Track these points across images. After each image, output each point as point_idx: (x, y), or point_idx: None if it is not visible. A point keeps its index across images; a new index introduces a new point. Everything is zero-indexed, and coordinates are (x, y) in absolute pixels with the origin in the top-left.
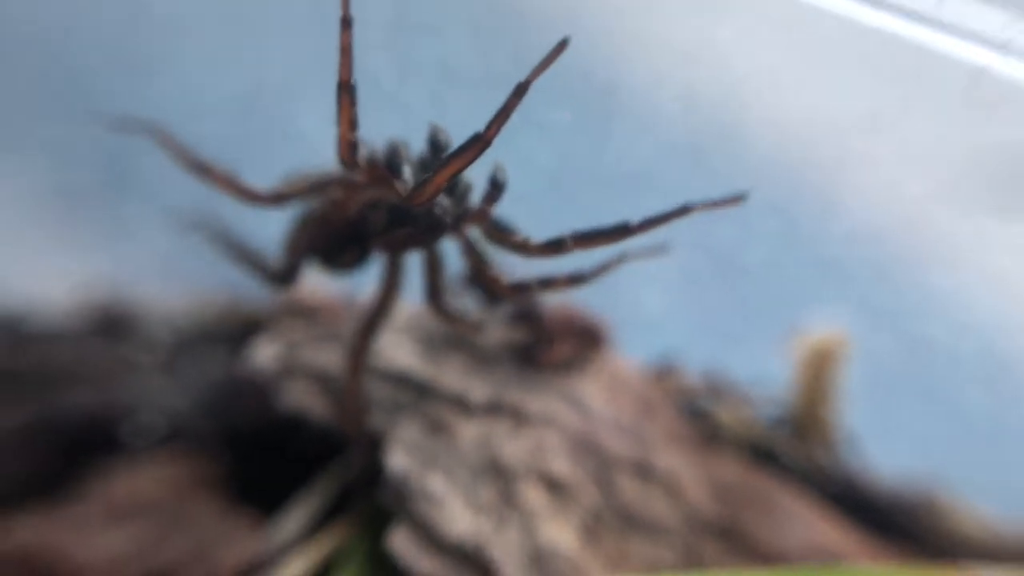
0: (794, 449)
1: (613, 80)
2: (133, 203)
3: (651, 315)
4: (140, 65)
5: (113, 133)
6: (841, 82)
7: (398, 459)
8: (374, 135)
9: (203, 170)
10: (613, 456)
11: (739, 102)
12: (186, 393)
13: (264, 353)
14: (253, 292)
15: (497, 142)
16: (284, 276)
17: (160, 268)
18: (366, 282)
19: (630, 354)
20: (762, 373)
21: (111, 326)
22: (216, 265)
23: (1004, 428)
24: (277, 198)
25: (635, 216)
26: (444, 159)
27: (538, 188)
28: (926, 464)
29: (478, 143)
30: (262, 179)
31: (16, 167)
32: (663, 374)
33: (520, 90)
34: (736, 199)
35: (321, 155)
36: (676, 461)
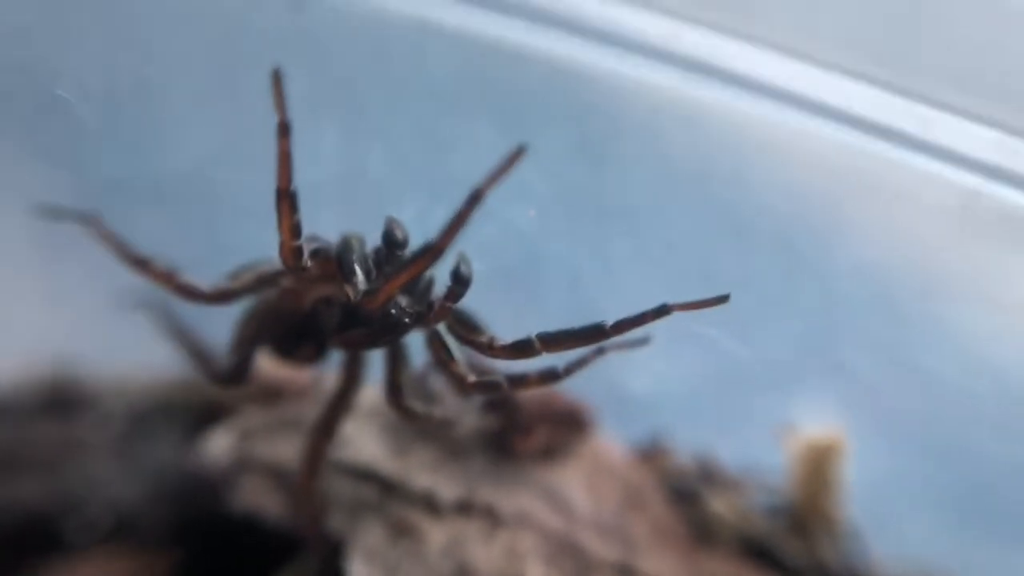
0: (793, 545)
1: (613, 108)
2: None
3: (636, 390)
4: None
5: (47, 219)
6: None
7: (359, 568)
8: (359, 158)
9: (140, 264)
10: (594, 560)
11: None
12: (137, 482)
13: (218, 445)
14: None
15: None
16: (231, 375)
17: (114, 339)
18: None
19: (614, 433)
20: (757, 455)
21: (62, 405)
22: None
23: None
24: (222, 295)
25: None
26: (396, 268)
27: (531, 220)
28: (939, 543)
29: (430, 253)
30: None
31: None
32: (651, 455)
33: (474, 198)
34: (720, 299)
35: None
36: (664, 564)
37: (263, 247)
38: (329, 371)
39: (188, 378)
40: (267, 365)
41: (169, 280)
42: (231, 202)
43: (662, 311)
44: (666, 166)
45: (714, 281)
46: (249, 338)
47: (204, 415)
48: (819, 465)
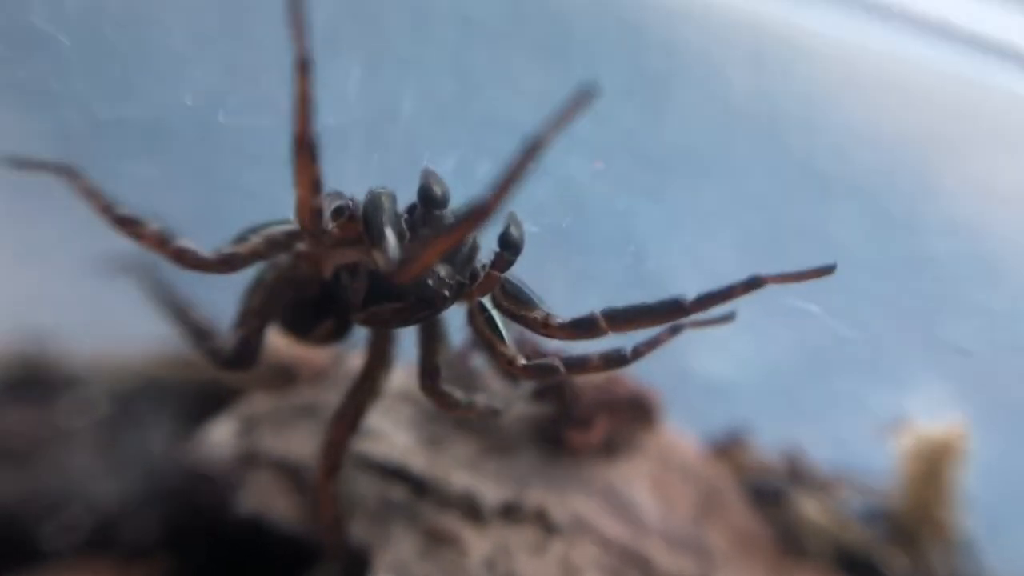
0: (899, 558)
1: (671, 40)
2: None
3: (710, 376)
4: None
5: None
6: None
7: None
8: (387, 98)
9: (128, 224)
10: (664, 575)
11: (818, 69)
12: (123, 478)
13: (219, 435)
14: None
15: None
16: (237, 355)
17: (96, 310)
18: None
19: (685, 424)
20: (854, 453)
21: (35, 386)
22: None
23: None
24: (226, 262)
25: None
26: (435, 231)
27: (581, 168)
28: None
29: (476, 214)
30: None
31: None
32: (729, 449)
33: (531, 149)
34: (825, 270)
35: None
36: None
37: (275, 205)
38: (352, 350)
39: (183, 356)
40: (278, 342)
41: (162, 244)
42: (236, 151)
43: (753, 284)
44: (730, 109)
45: (789, 240)
46: (257, 312)
47: (202, 400)
48: (933, 464)
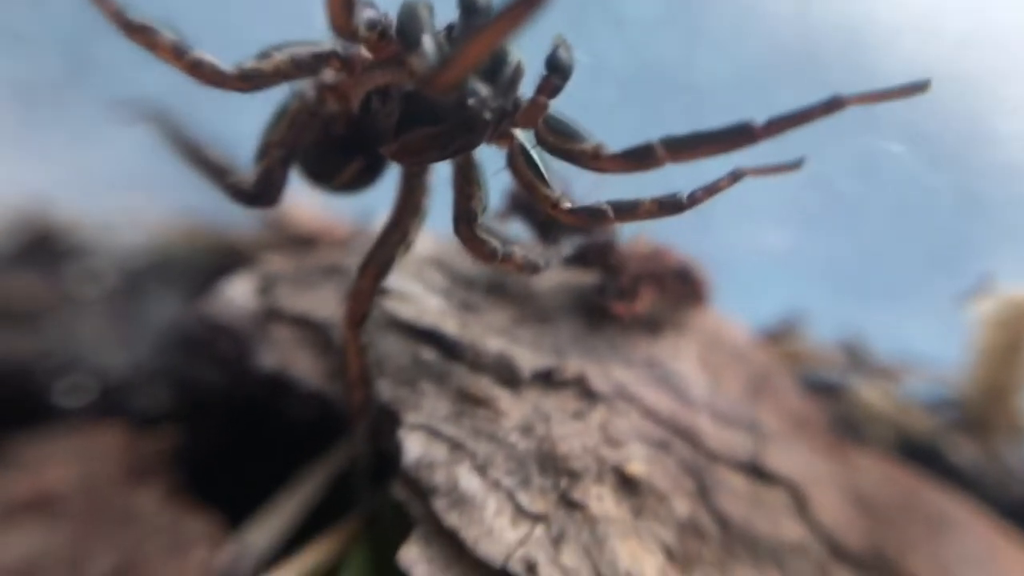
0: (967, 446)
1: None
2: (86, 97)
3: (760, 264)
4: None
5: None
6: None
7: (417, 444)
8: None
9: (141, 32)
10: (713, 451)
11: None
12: (134, 345)
13: (237, 291)
14: (233, 216)
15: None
16: (259, 190)
17: (117, 182)
18: (383, 201)
19: (734, 309)
20: (914, 344)
21: (45, 252)
22: (185, 178)
23: None
24: (247, 79)
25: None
26: (479, 24)
27: (611, 97)
28: None
29: (520, 6)
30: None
31: None
32: (780, 336)
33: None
34: (916, 88)
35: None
36: (800, 460)
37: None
38: (375, 219)
39: (197, 227)
40: (298, 212)
41: (178, 55)
42: None
43: (834, 104)
44: (768, 42)
45: (834, 178)
46: (279, 143)
47: (214, 271)
48: (1015, 334)
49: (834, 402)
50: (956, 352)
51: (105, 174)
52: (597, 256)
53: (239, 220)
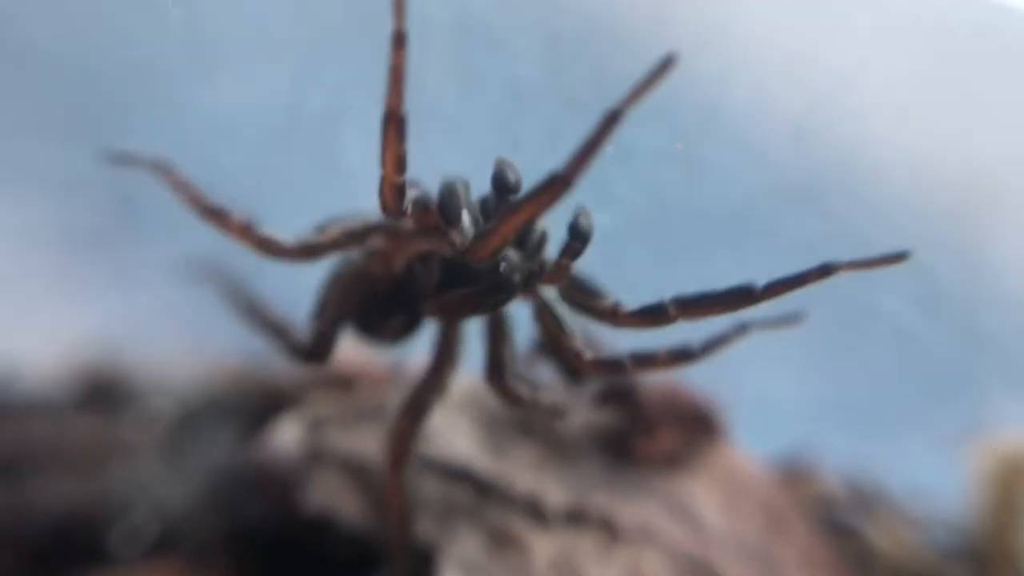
0: None
1: (710, 102)
2: (142, 247)
3: (770, 396)
4: (162, 86)
5: (116, 167)
6: (995, 107)
7: None
8: (428, 172)
9: (216, 215)
10: None
11: (864, 133)
12: (188, 485)
13: (286, 434)
14: (276, 358)
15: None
16: (314, 348)
17: (166, 325)
18: (417, 348)
19: (746, 446)
20: (923, 480)
21: (102, 396)
22: (232, 324)
23: None
24: (307, 251)
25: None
26: (512, 204)
27: (618, 228)
28: None
29: (556, 185)
30: (298, 221)
31: (10, 201)
32: (793, 477)
33: (611, 119)
34: (897, 257)
35: (364, 197)
36: None
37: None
38: (411, 361)
39: (244, 369)
40: (340, 354)
41: (247, 233)
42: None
43: (826, 270)
44: (769, 174)
45: (832, 307)
46: (333, 305)
47: (263, 411)
48: (1012, 484)
49: (848, 542)
50: (963, 482)
51: (154, 317)
52: (620, 398)
53: (281, 363)
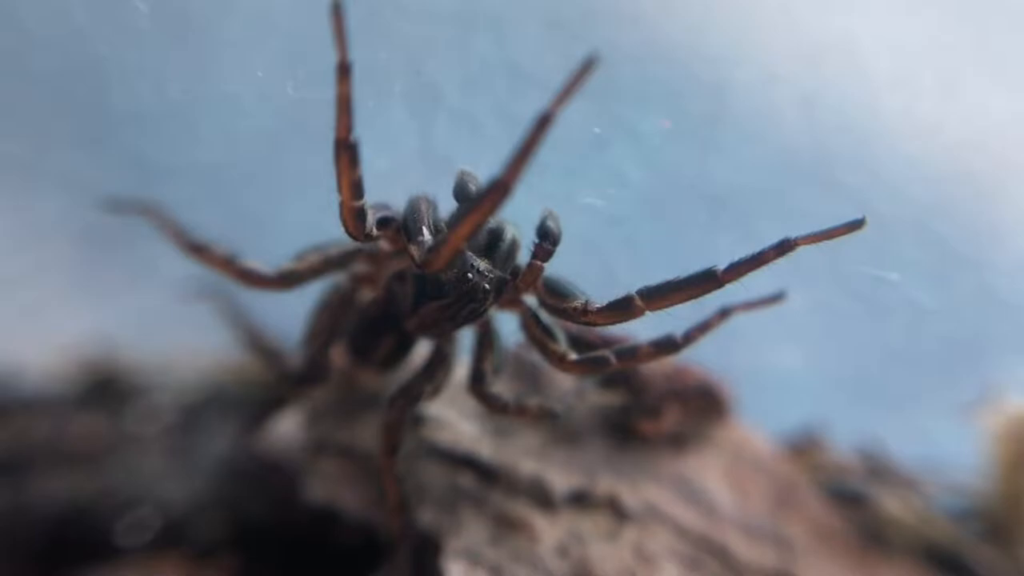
0: (991, 556)
1: (720, 79)
2: (144, 246)
3: (780, 371)
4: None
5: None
6: (1004, 72)
7: (457, 569)
8: (430, 159)
9: (199, 250)
10: (743, 565)
11: (873, 105)
12: (192, 479)
13: (286, 426)
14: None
15: (585, 156)
16: (306, 374)
17: (167, 320)
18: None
19: (756, 422)
20: (935, 449)
21: (105, 392)
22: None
23: None
24: (287, 279)
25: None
26: (458, 214)
27: (630, 209)
28: None
29: (495, 191)
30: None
31: (14, 202)
32: (803, 448)
33: (542, 123)
34: (853, 225)
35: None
36: (828, 572)
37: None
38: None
39: (243, 364)
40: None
41: (229, 266)
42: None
43: (784, 247)
44: (780, 148)
45: (846, 279)
46: (322, 332)
47: (268, 403)
48: None
49: (859, 511)
50: (974, 453)
51: (157, 314)
52: (622, 378)
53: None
